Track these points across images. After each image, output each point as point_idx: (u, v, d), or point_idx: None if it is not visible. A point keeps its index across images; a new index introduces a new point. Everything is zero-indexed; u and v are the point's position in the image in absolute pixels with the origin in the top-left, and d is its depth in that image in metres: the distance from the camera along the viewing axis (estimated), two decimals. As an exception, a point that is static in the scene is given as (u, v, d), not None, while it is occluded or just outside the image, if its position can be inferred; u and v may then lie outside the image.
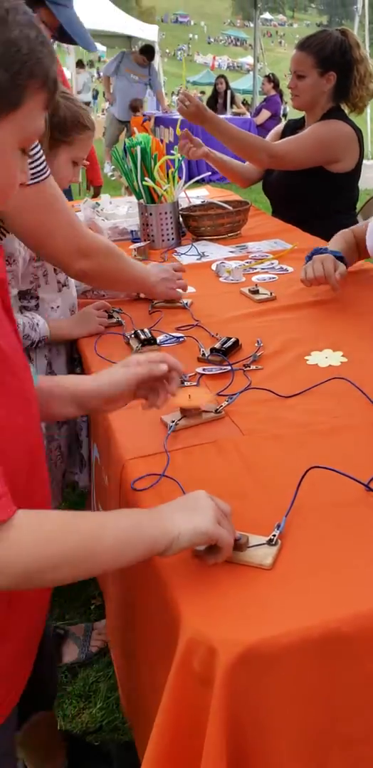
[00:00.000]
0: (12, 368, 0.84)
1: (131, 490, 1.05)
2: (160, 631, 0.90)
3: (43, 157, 1.35)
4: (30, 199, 1.34)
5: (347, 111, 2.63)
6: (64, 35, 1.40)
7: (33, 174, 1.33)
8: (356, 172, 2.60)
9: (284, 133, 2.84)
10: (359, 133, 2.58)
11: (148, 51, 9.75)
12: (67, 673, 1.79)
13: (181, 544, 0.83)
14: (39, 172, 1.34)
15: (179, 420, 1.20)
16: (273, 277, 2.01)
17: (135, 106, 9.61)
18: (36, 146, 1.32)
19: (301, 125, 2.75)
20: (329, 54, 2.51)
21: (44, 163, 1.36)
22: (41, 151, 1.35)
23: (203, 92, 24.13)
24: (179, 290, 1.79)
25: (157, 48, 15.38)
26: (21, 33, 0.74)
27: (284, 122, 2.97)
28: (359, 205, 2.79)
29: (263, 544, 0.89)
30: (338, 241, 1.96)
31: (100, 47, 16.80)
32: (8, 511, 0.72)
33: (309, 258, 1.82)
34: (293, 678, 0.77)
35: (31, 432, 0.90)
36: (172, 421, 1.20)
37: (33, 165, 1.32)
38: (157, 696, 0.82)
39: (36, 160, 1.33)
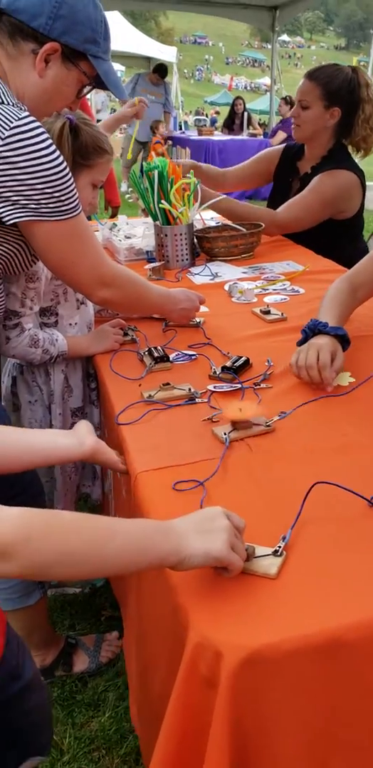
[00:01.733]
0: None
1: (143, 504, 1.09)
2: (169, 636, 0.94)
3: (77, 194, 1.42)
4: (62, 233, 1.40)
5: (350, 150, 2.63)
6: (100, 83, 1.48)
7: (68, 209, 1.39)
8: (360, 211, 2.61)
9: (282, 162, 2.86)
10: (361, 176, 2.57)
11: (160, 69, 9.86)
12: (77, 683, 1.83)
13: (192, 564, 0.86)
14: (73, 208, 1.40)
15: (230, 432, 1.25)
16: (285, 298, 2.06)
17: (153, 127, 9.75)
18: (70, 183, 1.38)
19: (301, 155, 2.76)
20: (336, 88, 2.50)
21: (77, 199, 1.42)
22: (75, 188, 1.41)
23: (218, 112, 24.37)
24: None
25: (174, 69, 15.61)
26: None
27: (281, 146, 2.96)
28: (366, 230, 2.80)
29: (269, 554, 0.93)
30: (334, 305, 1.67)
31: (119, 67, 17.06)
32: None
33: (304, 335, 1.56)
34: (295, 682, 0.80)
35: None
36: (225, 433, 1.24)
37: (67, 201, 1.38)
38: (165, 701, 0.86)
39: (71, 197, 1.39)
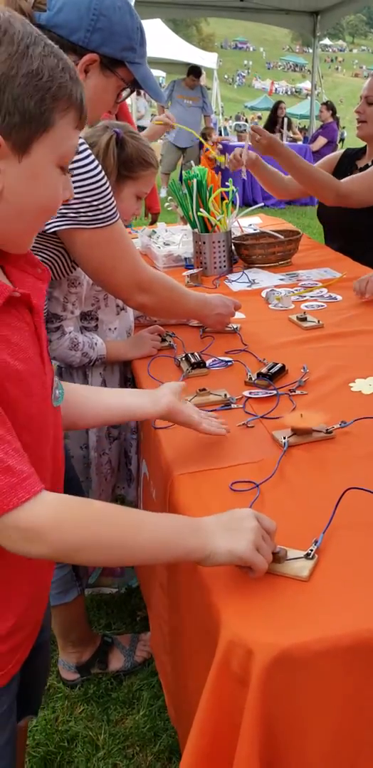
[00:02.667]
0: (28, 390, 0.88)
1: (178, 507, 1.12)
2: (202, 635, 0.97)
3: (114, 202, 1.46)
4: (100, 240, 1.45)
5: None
6: (138, 86, 1.54)
7: (106, 217, 1.43)
8: None
9: (341, 163, 2.83)
10: None
11: (195, 70, 9.87)
12: (112, 680, 1.87)
13: (217, 561, 0.89)
14: (111, 215, 1.45)
15: (290, 437, 1.27)
16: (322, 305, 2.07)
17: (204, 134, 9.82)
18: (108, 191, 1.43)
19: (361, 156, 2.74)
20: None
21: (115, 207, 1.46)
22: (113, 197, 1.46)
23: (259, 117, 24.34)
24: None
25: (215, 74, 15.66)
26: (42, 63, 0.80)
27: (340, 149, 2.95)
28: None
29: (301, 557, 0.95)
30: None
31: (160, 73, 17.19)
32: (36, 487, 0.80)
33: None
34: (324, 682, 0.82)
35: (39, 454, 0.93)
36: (284, 438, 1.27)
37: (105, 209, 1.43)
38: (199, 697, 0.89)
39: (108, 205, 1.44)
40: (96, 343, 1.73)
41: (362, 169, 2.69)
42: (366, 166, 2.67)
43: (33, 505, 0.80)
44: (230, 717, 0.85)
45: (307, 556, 0.95)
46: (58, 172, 0.87)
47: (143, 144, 1.78)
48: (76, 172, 1.36)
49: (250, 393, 1.47)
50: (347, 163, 2.82)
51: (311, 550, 0.95)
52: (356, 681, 0.83)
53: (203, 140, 7.84)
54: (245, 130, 15.89)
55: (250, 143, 2.54)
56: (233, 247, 2.51)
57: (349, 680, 0.83)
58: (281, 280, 2.36)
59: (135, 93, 1.74)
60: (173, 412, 1.21)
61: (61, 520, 0.82)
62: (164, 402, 1.21)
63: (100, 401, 1.20)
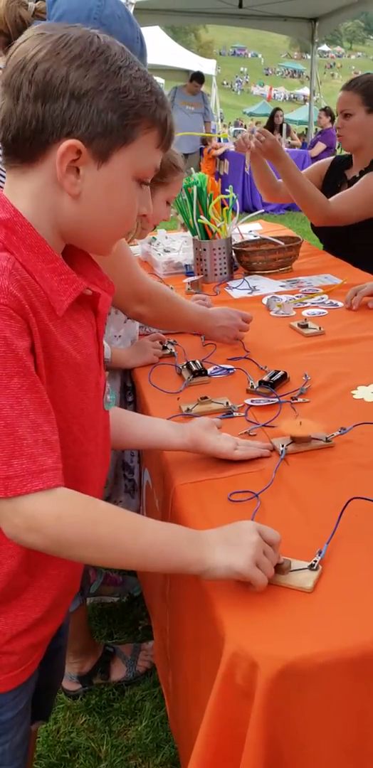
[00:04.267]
0: (84, 384, 0.93)
1: (180, 517, 1.12)
2: (205, 647, 0.96)
3: None
4: None
5: None
6: None
7: None
8: None
9: (330, 172, 2.86)
10: None
11: (198, 76, 9.90)
12: (114, 691, 1.86)
13: (215, 576, 0.89)
14: None
15: (288, 445, 1.27)
16: (323, 312, 2.06)
17: (204, 140, 9.84)
18: None
19: (349, 165, 2.78)
20: None
21: None
22: None
23: (258, 123, 24.42)
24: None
25: (213, 81, 15.71)
26: (131, 83, 0.87)
27: (330, 158, 2.98)
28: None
29: (305, 568, 0.94)
30: None
31: (159, 80, 17.21)
32: (52, 482, 0.81)
33: None
34: (329, 695, 0.81)
35: (86, 448, 0.97)
36: (282, 445, 1.26)
37: None
38: (202, 710, 0.88)
39: None
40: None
41: (350, 181, 2.72)
42: (354, 178, 2.69)
43: (43, 497, 0.81)
44: (235, 730, 0.84)
45: (311, 567, 0.94)
46: (135, 185, 0.92)
47: (172, 149, 1.80)
48: None
49: (251, 401, 1.46)
50: (336, 172, 2.85)
51: (315, 561, 0.95)
52: (361, 694, 0.82)
53: (208, 134, 7.84)
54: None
55: (252, 143, 2.55)
56: (233, 254, 2.51)
57: (354, 693, 0.82)
58: (282, 286, 2.36)
59: None
60: (198, 443, 1.22)
61: (63, 515, 0.83)
62: (189, 434, 1.22)
63: (138, 427, 1.24)
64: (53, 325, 0.87)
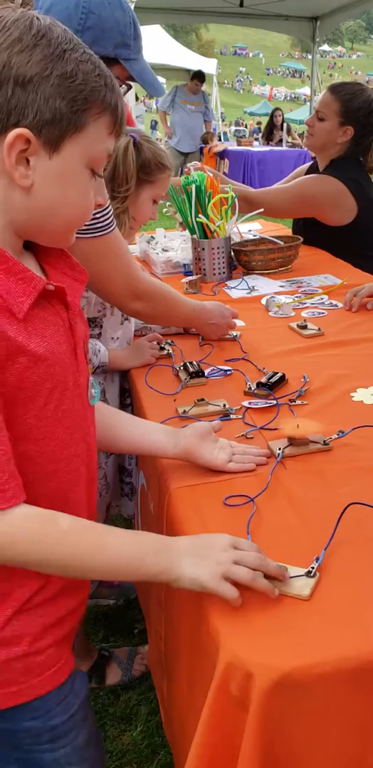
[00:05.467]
0: (62, 384, 0.91)
1: (175, 521, 1.10)
2: (200, 656, 0.94)
3: (112, 210, 1.44)
4: (98, 250, 1.43)
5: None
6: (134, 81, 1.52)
7: (103, 226, 1.42)
8: (358, 222, 2.60)
9: (308, 172, 2.90)
10: (354, 185, 2.57)
11: (199, 75, 9.88)
12: (109, 695, 1.84)
13: (181, 586, 0.88)
14: (108, 224, 1.43)
15: (286, 448, 1.25)
16: (322, 313, 2.04)
17: (205, 139, 9.82)
18: (106, 200, 1.41)
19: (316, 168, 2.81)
20: (354, 108, 2.54)
21: (112, 216, 1.45)
22: (110, 206, 1.44)
23: (259, 122, 24.39)
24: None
25: (214, 80, 15.69)
26: (77, 67, 0.83)
27: (307, 164, 3.01)
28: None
29: (302, 575, 0.92)
30: None
31: (160, 79, 17.21)
32: (4, 504, 0.81)
33: None
34: (326, 706, 0.79)
35: (73, 450, 0.95)
36: (279, 448, 1.24)
37: (102, 218, 1.41)
38: (196, 719, 0.86)
39: (106, 214, 1.42)
40: (99, 350, 1.70)
41: None
42: None
43: None
44: (229, 741, 0.82)
45: (308, 573, 0.92)
46: (88, 174, 0.89)
47: (158, 147, 1.81)
48: None
49: (249, 403, 1.44)
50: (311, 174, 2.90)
51: (313, 568, 0.92)
52: (359, 705, 0.80)
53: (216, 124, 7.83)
54: (244, 135, 15.92)
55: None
56: (232, 254, 2.49)
57: (354, 704, 0.80)
58: (281, 286, 2.34)
59: (134, 98, 1.74)
60: (192, 454, 1.18)
61: (18, 540, 0.83)
62: (182, 444, 1.18)
63: (133, 432, 1.21)
64: (15, 330, 0.83)
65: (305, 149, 10.35)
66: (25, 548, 0.84)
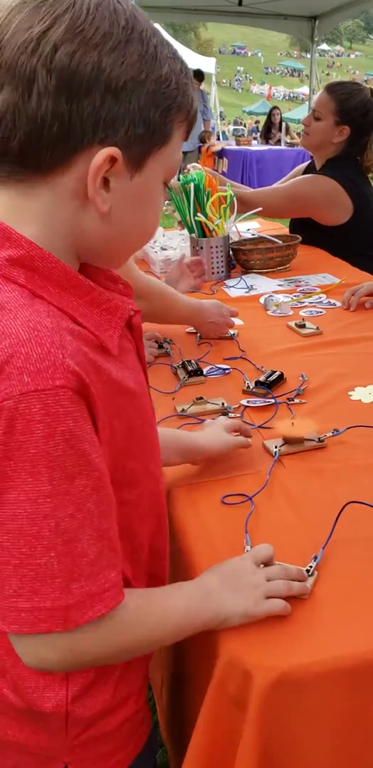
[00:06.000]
0: (143, 414, 0.82)
1: (173, 519, 1.09)
2: (198, 655, 0.94)
3: None
4: None
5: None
6: None
7: None
8: (355, 221, 2.60)
9: (306, 172, 2.90)
10: (349, 185, 2.57)
11: (197, 74, 9.88)
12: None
13: (231, 624, 0.83)
14: None
15: (281, 446, 1.24)
16: (320, 312, 2.04)
17: (203, 138, 9.81)
18: None
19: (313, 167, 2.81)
20: (351, 107, 2.54)
21: None
22: None
23: (257, 122, 24.40)
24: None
25: (213, 79, 15.68)
26: (169, 67, 0.71)
27: (305, 164, 3.02)
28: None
29: (300, 574, 0.92)
30: None
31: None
32: (113, 602, 0.70)
33: None
34: (325, 705, 0.79)
35: (158, 485, 0.89)
36: (276, 447, 1.24)
37: None
38: (194, 719, 0.86)
39: None
40: None
41: None
42: None
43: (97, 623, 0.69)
44: (227, 740, 0.82)
45: (307, 572, 0.92)
46: (162, 189, 0.78)
47: None
48: None
49: (247, 402, 1.44)
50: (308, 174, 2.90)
51: (311, 567, 0.92)
52: (358, 704, 0.80)
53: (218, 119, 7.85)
54: (243, 134, 15.89)
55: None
56: (230, 252, 2.49)
57: (351, 703, 0.80)
58: (280, 285, 2.34)
59: None
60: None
61: (122, 639, 0.74)
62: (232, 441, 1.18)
63: (181, 443, 1.15)
64: (114, 368, 0.72)
65: (304, 149, 10.39)
66: (132, 637, 0.76)
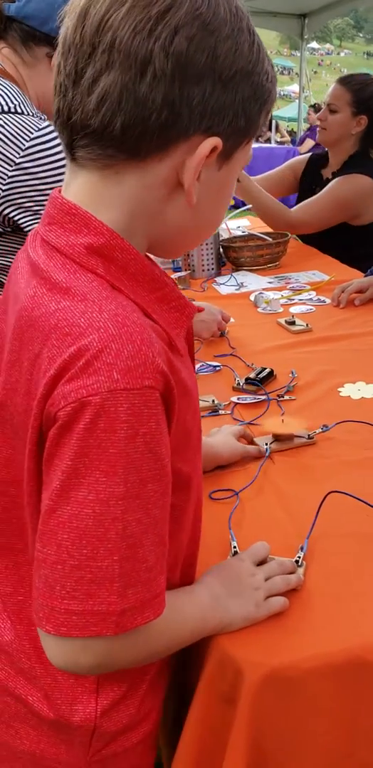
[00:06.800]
0: (196, 414, 0.79)
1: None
2: (189, 653, 0.94)
3: None
4: None
5: None
6: None
7: None
8: None
9: (307, 170, 2.87)
10: None
11: None
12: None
13: (232, 629, 0.82)
14: None
15: (272, 443, 1.24)
16: (310, 309, 2.05)
17: None
18: None
19: (325, 163, 2.78)
20: (367, 97, 2.54)
21: None
22: None
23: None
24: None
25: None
26: (266, 59, 0.68)
27: (307, 155, 2.98)
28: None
29: (290, 567, 0.92)
30: None
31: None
32: (160, 607, 0.67)
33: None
34: (315, 701, 0.79)
35: (201, 492, 0.86)
36: (266, 444, 1.24)
37: None
38: (184, 715, 0.85)
39: None
40: None
41: (323, 183, 2.72)
42: (327, 180, 2.70)
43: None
44: (218, 736, 0.82)
45: (296, 563, 0.92)
46: (236, 181, 0.76)
47: None
48: (56, 172, 1.32)
49: (238, 399, 1.44)
50: (313, 171, 2.87)
51: (299, 557, 0.93)
52: (348, 700, 0.81)
53: None
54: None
55: None
56: (221, 250, 2.49)
57: (341, 699, 0.80)
58: (270, 283, 2.34)
59: None
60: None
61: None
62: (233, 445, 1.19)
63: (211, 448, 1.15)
64: (179, 368, 0.69)
65: (294, 147, 10.39)
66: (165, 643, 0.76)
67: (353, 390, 1.48)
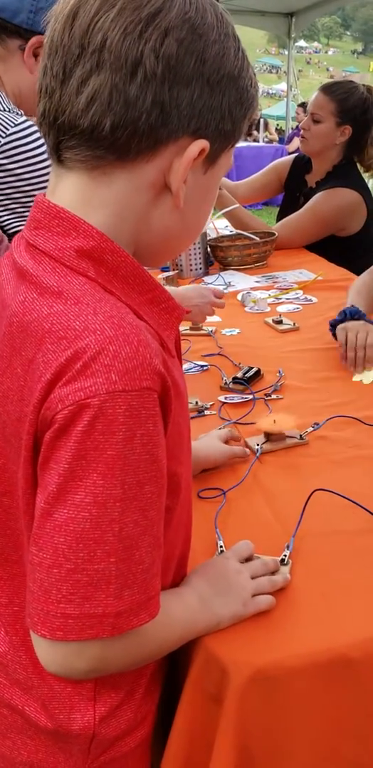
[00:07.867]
0: (187, 418, 0.79)
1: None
2: (175, 653, 0.94)
3: None
4: None
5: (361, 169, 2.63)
6: None
7: None
8: (365, 230, 2.58)
9: (292, 173, 2.85)
10: (365, 192, 2.55)
11: None
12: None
13: (222, 627, 0.83)
14: None
15: (264, 443, 1.24)
16: (297, 308, 2.05)
17: None
18: None
19: (309, 169, 2.75)
20: (350, 106, 2.48)
21: None
22: None
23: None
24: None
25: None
26: (251, 68, 0.70)
27: (291, 157, 2.96)
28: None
29: (276, 565, 0.92)
30: (362, 297, 1.80)
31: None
32: (155, 609, 0.67)
33: (342, 316, 1.66)
34: (300, 700, 0.80)
35: (191, 493, 0.86)
36: (258, 444, 1.24)
37: None
38: (171, 716, 0.86)
39: None
40: None
41: (306, 192, 2.72)
42: (311, 189, 2.70)
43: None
44: (205, 736, 0.82)
45: (282, 562, 0.92)
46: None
47: None
48: (33, 169, 1.30)
49: (225, 398, 1.45)
50: (297, 174, 2.84)
51: (285, 555, 0.93)
52: (334, 698, 0.81)
53: None
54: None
55: None
56: (208, 249, 2.49)
57: (327, 697, 0.80)
58: (257, 282, 2.35)
59: None
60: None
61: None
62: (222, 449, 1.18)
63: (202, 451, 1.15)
64: (172, 369, 0.68)
65: (282, 146, 10.41)
66: (158, 646, 0.76)
67: (341, 389, 1.48)
